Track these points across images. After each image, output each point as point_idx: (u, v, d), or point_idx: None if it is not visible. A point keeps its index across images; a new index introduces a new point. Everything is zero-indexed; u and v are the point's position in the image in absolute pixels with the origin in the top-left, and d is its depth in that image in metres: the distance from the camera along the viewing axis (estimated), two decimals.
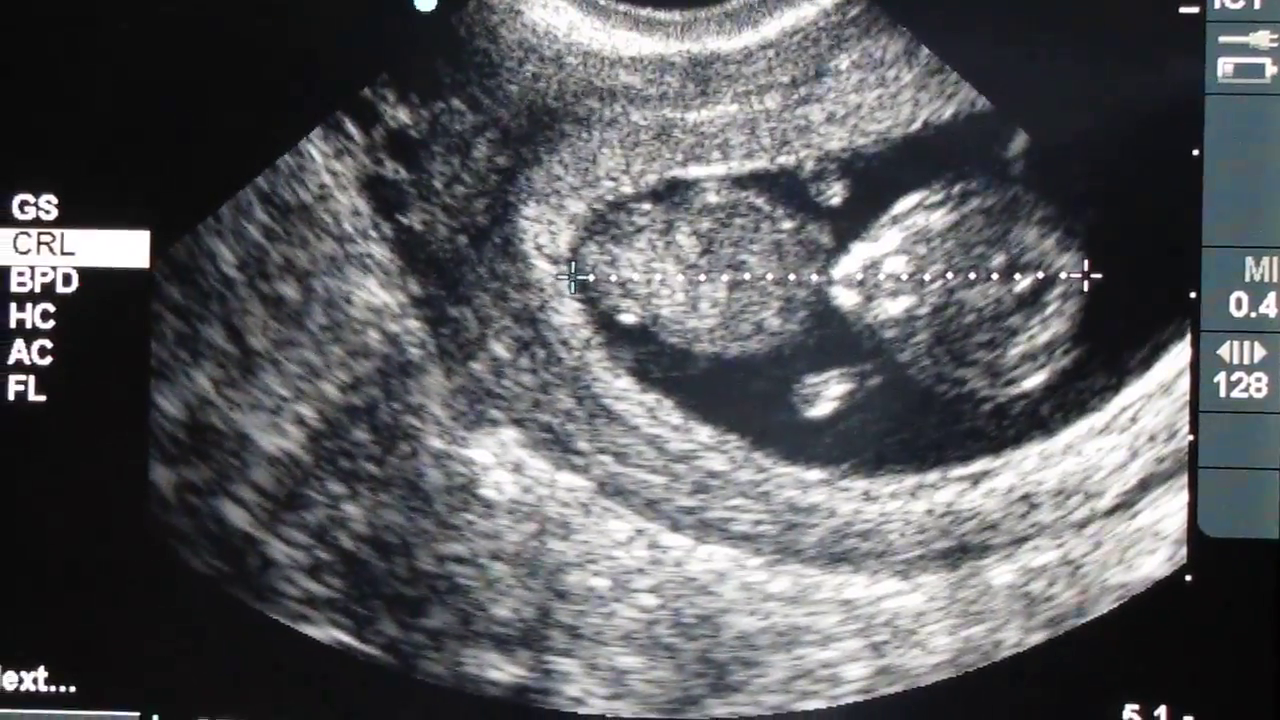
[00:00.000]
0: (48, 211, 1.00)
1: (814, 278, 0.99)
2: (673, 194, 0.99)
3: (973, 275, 0.98)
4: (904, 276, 0.98)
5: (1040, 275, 0.98)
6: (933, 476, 0.98)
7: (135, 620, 0.99)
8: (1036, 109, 0.97)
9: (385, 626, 0.99)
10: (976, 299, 0.98)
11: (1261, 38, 0.97)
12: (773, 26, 0.99)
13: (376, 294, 0.99)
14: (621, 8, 1.00)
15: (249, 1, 0.99)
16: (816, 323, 0.99)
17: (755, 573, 0.99)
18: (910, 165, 0.98)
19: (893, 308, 0.98)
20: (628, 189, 0.99)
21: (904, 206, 0.98)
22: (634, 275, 0.99)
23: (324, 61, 0.99)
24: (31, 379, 0.99)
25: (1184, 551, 0.97)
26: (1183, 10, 0.97)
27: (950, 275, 0.98)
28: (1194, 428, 0.97)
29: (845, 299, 0.99)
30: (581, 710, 0.99)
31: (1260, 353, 0.97)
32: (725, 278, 0.99)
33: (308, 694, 0.99)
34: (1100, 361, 0.97)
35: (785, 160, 0.99)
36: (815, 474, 0.98)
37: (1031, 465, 0.98)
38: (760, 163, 0.99)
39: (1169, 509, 0.97)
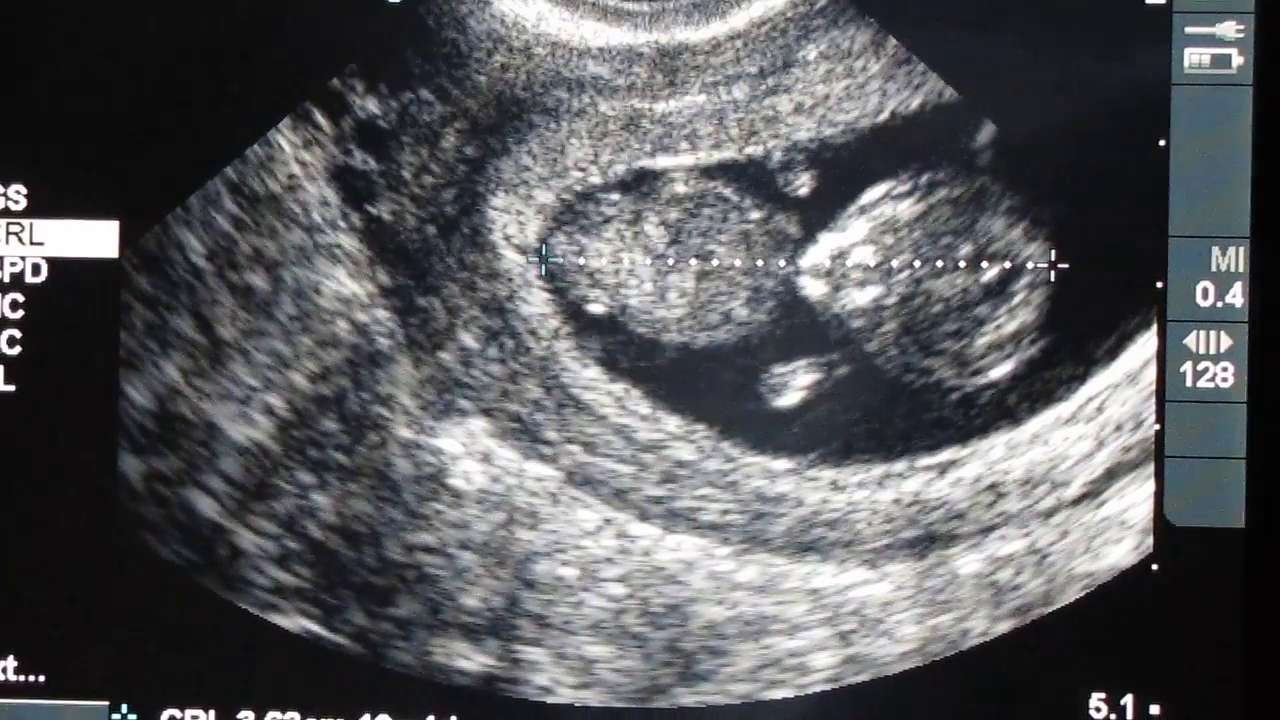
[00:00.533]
0: (16, 201, 1.00)
1: (782, 268, 0.99)
2: (641, 184, 0.99)
3: (940, 265, 0.98)
4: (871, 266, 0.99)
5: (1007, 265, 0.98)
6: (900, 466, 0.98)
7: (104, 610, 0.99)
8: (1004, 99, 0.98)
9: (354, 616, 0.99)
10: (944, 289, 0.98)
11: (1228, 28, 0.97)
12: (740, 17, 1.00)
13: (345, 284, 0.99)
14: None
15: None
16: (784, 313, 0.99)
17: (723, 562, 0.99)
18: (878, 155, 0.98)
19: (860, 297, 0.99)
20: (596, 179, 0.99)
21: (871, 196, 0.99)
22: (602, 265, 0.99)
23: (293, 52, 0.99)
24: (0, 369, 1.00)
25: (1150, 540, 0.97)
26: (1149, 1, 0.97)
27: (917, 265, 0.98)
28: (1160, 417, 0.97)
29: (813, 289, 0.99)
30: (549, 699, 0.99)
31: (1226, 342, 0.97)
32: (693, 268, 0.99)
33: (277, 683, 1.00)
34: (1067, 351, 0.98)
35: (753, 150, 0.99)
36: (783, 463, 0.99)
37: (998, 454, 0.98)
38: (728, 153, 0.99)
39: (1135, 498, 0.98)
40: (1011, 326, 0.98)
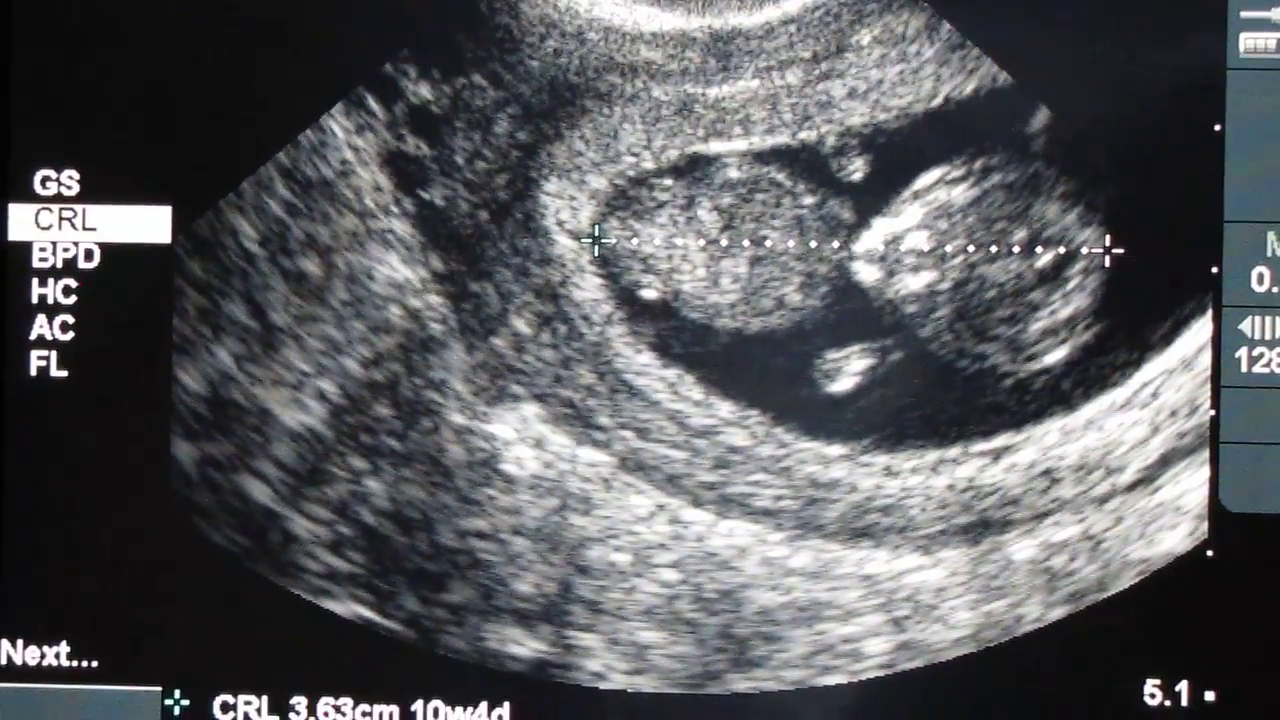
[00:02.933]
0: (69, 187, 1.00)
1: (835, 253, 0.99)
2: (694, 169, 0.99)
3: (994, 250, 0.98)
4: (925, 251, 0.98)
5: (1062, 250, 0.98)
6: (954, 451, 0.98)
7: (157, 595, 0.99)
8: (1058, 84, 0.97)
9: (407, 601, 0.99)
10: (998, 274, 0.98)
11: None
12: (794, 2, 0.99)
13: (398, 269, 0.99)
14: None
15: None
16: (838, 298, 0.99)
17: (776, 548, 0.99)
18: (932, 141, 0.98)
19: (914, 283, 0.98)
20: (649, 164, 0.99)
21: (925, 182, 0.98)
22: (655, 250, 0.99)
23: (346, 37, 0.99)
24: (54, 354, 1.00)
25: (1205, 526, 0.97)
26: None
27: (971, 250, 0.98)
28: (1215, 403, 0.97)
29: (867, 274, 0.99)
30: (603, 685, 0.99)
31: None
32: (747, 253, 0.99)
33: (329, 669, 0.99)
34: (1122, 337, 0.97)
35: (807, 135, 0.99)
36: (836, 449, 0.98)
37: (1053, 440, 0.98)
38: (781, 138, 0.99)
39: (1190, 484, 0.97)
40: (1066, 312, 0.98)
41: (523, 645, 0.99)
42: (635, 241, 0.99)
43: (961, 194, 0.98)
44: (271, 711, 1.00)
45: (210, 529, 0.99)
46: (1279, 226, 0.97)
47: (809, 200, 0.99)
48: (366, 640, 0.99)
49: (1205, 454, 0.97)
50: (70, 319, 1.00)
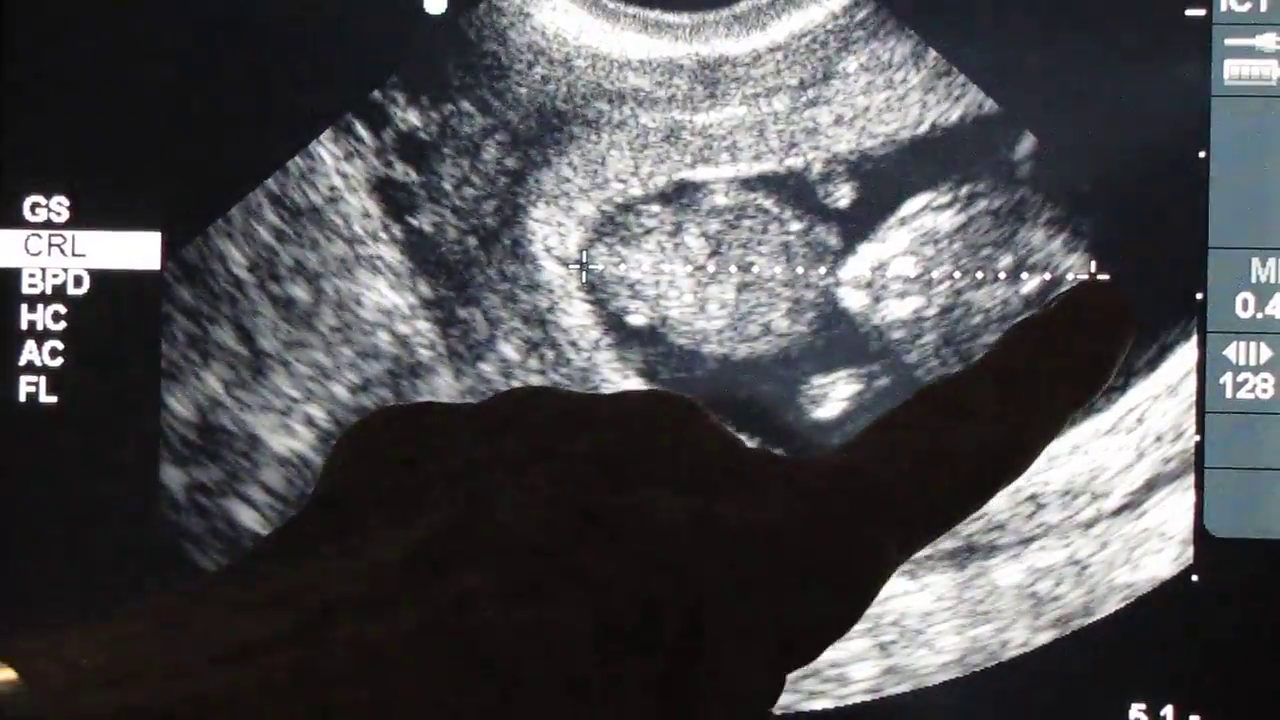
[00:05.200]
0: (59, 213, 1.00)
1: (822, 279, 0.99)
2: (681, 196, 1.00)
3: (980, 276, 0.99)
4: (912, 277, 0.99)
5: (1047, 276, 0.98)
6: None
7: None
8: (1044, 111, 0.98)
9: None
10: (984, 300, 0.99)
11: (1268, 40, 0.97)
12: (781, 29, 1.00)
13: (386, 295, 1.00)
14: (630, 10, 1.00)
15: (259, 4, 1.00)
16: (824, 324, 0.99)
17: None
18: (918, 167, 0.99)
19: (900, 309, 0.99)
20: (636, 191, 1.00)
21: (912, 208, 0.99)
22: (643, 276, 1.00)
23: (334, 64, 1.00)
24: (42, 380, 1.00)
25: (1190, 551, 0.98)
26: (1189, 13, 0.97)
27: (958, 276, 0.99)
28: (1200, 428, 0.98)
29: (853, 300, 0.99)
30: None
31: (1266, 353, 0.97)
32: (733, 279, 0.99)
33: None
34: None
35: (793, 162, 0.99)
36: None
37: (1039, 465, 0.98)
38: (768, 165, 0.99)
39: (1175, 509, 0.98)
40: None
41: None
42: (623, 267, 1.00)
43: (947, 220, 0.99)
44: None
45: (199, 554, 1.00)
46: (1263, 252, 0.97)
47: (796, 226, 0.99)
48: None
49: (1190, 479, 0.98)
50: (59, 345, 1.00)
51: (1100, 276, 0.98)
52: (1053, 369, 0.55)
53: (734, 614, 0.46)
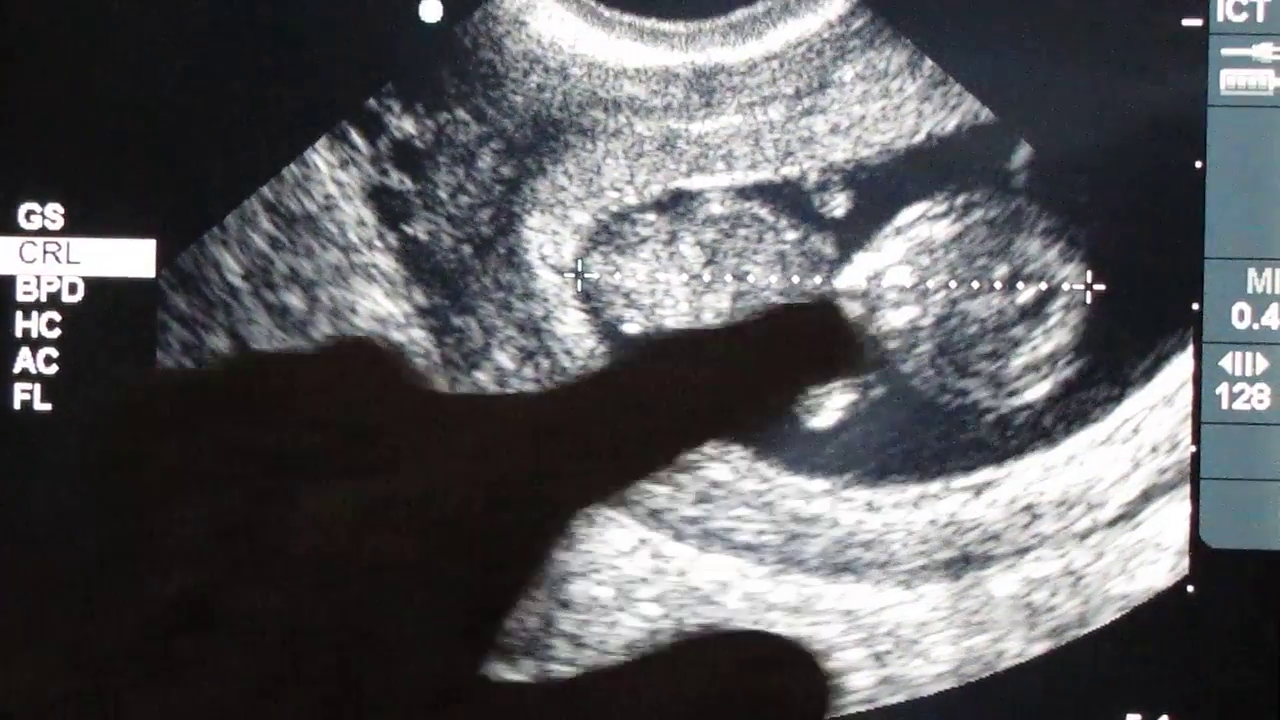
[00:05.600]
0: (54, 221, 1.00)
1: (817, 288, 0.99)
2: (677, 204, 1.00)
3: (976, 286, 0.98)
4: (907, 287, 0.99)
5: (1043, 286, 0.98)
6: (935, 487, 0.98)
7: None
8: (1040, 121, 0.98)
9: None
10: (980, 310, 0.98)
11: (1264, 50, 0.97)
12: (777, 38, 1.00)
13: (381, 303, 1.00)
14: (626, 19, 1.00)
15: (254, 11, 1.00)
16: None
17: (758, 583, 0.99)
18: (914, 177, 0.99)
19: (896, 318, 0.99)
20: (632, 199, 1.00)
21: (907, 217, 0.99)
22: (638, 285, 0.99)
23: (329, 72, 0.99)
24: (37, 388, 1.00)
25: (1186, 562, 0.97)
26: (1185, 23, 0.97)
27: (953, 286, 0.99)
28: (1196, 439, 0.97)
29: (848, 310, 0.99)
30: None
31: (1262, 364, 0.97)
32: (729, 288, 0.99)
33: None
34: (1103, 373, 0.98)
35: (789, 171, 0.99)
36: (818, 484, 0.99)
37: (1034, 476, 0.98)
38: (764, 174, 0.99)
39: (1171, 520, 0.98)
40: (1047, 348, 0.98)
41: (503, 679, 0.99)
42: (618, 276, 1.00)
43: (943, 230, 0.98)
44: None
45: None
46: (1259, 263, 0.97)
47: (791, 236, 0.99)
48: None
49: (1186, 490, 0.97)
50: (54, 352, 1.00)
51: (1095, 286, 0.97)
52: (786, 350, 0.53)
53: (399, 600, 0.43)
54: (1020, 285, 0.98)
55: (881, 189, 0.99)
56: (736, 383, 0.50)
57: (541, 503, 0.47)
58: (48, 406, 1.00)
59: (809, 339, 0.53)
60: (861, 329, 0.54)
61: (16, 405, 1.00)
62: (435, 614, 0.44)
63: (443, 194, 1.00)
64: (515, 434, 0.47)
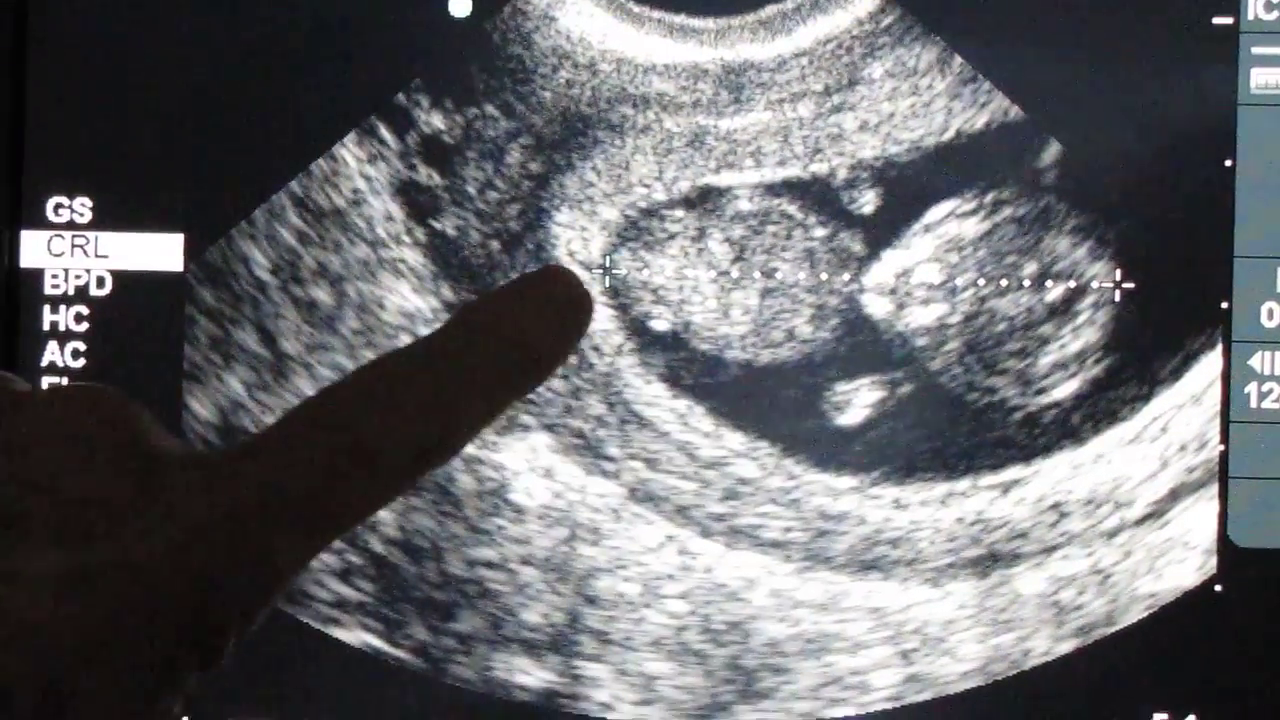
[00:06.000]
0: (82, 214, 1.00)
1: (845, 285, 0.99)
2: (705, 201, 0.99)
3: (1004, 284, 0.98)
4: (936, 284, 0.98)
5: (1072, 284, 0.98)
6: (963, 484, 0.98)
7: None
8: (1069, 119, 0.98)
9: (416, 630, 0.99)
10: (1008, 308, 0.98)
11: None
12: (806, 34, 1.00)
13: (409, 299, 1.00)
14: (655, 14, 1.00)
15: (284, 6, 1.00)
16: (848, 330, 0.99)
17: (785, 579, 0.99)
18: (943, 174, 0.98)
19: (924, 316, 0.99)
20: (660, 196, 0.99)
21: (936, 215, 0.99)
22: (666, 281, 0.99)
23: (358, 67, 0.99)
24: (64, 381, 1.00)
25: (1214, 561, 0.97)
26: (1216, 21, 0.97)
27: (982, 284, 0.98)
28: (1225, 438, 0.97)
29: (877, 307, 0.99)
30: (611, 715, 0.99)
31: None
32: (757, 285, 0.99)
33: (337, 697, 1.00)
34: (1131, 371, 0.98)
35: (818, 168, 0.99)
36: (846, 481, 0.99)
37: (1062, 474, 0.98)
38: (793, 170, 0.99)
39: (1199, 519, 0.97)
40: (1076, 346, 0.98)
41: (531, 675, 0.99)
42: (646, 273, 0.99)
43: (972, 227, 0.98)
44: None
45: None
46: None
47: (820, 233, 0.99)
48: (375, 669, 0.99)
49: (1214, 489, 0.97)
50: (82, 346, 1.00)
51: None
52: (492, 357, 0.50)
53: (98, 672, 0.42)
54: (1049, 283, 0.98)
55: (910, 186, 0.99)
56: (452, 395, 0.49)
57: (257, 574, 0.46)
58: None
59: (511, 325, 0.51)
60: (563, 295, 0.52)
61: None
62: (126, 688, 0.44)
63: (471, 189, 1.00)
64: (228, 507, 0.46)
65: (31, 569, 0.43)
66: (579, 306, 0.51)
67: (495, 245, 1.00)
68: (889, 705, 0.99)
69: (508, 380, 0.50)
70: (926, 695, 0.98)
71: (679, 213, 0.99)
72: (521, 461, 0.99)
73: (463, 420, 0.48)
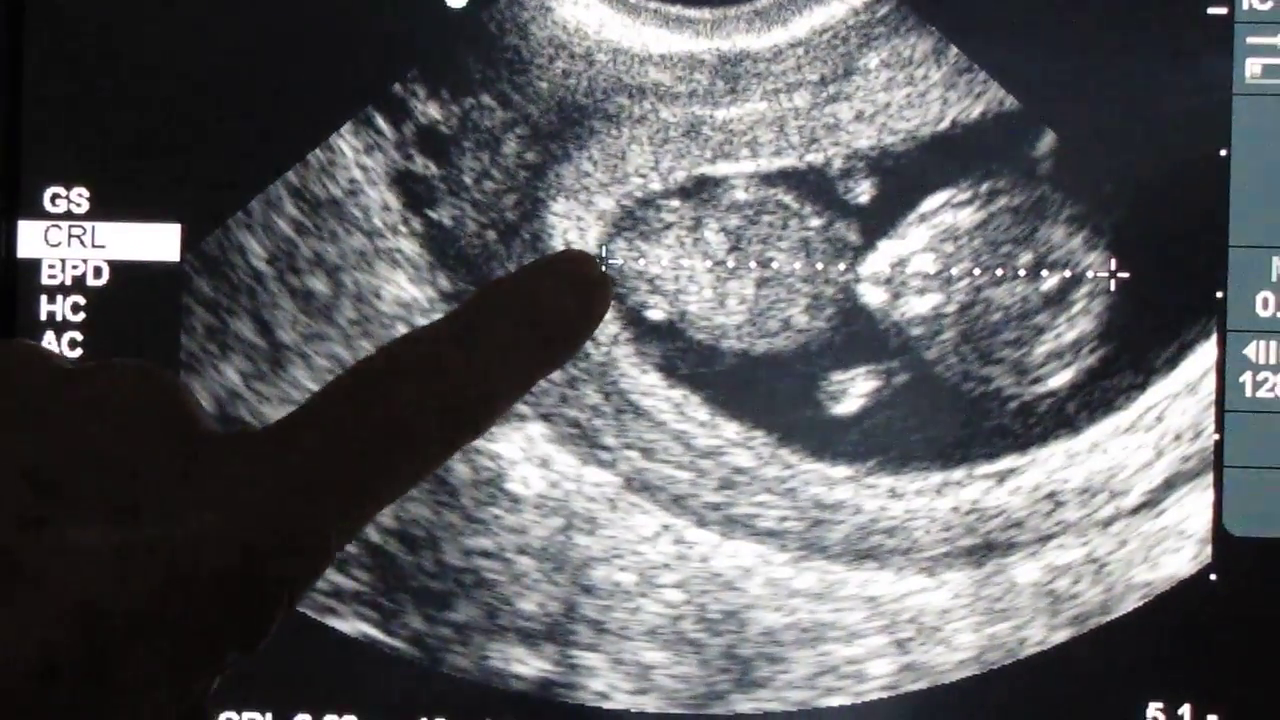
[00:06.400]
0: (79, 204, 1.00)
1: (841, 275, 0.99)
2: (701, 191, 1.00)
3: (1000, 273, 0.98)
4: (931, 274, 0.99)
5: (1067, 274, 0.98)
6: (958, 474, 0.98)
7: None
8: (1064, 108, 0.98)
9: (412, 620, 0.99)
10: (1003, 297, 0.98)
11: None
12: (802, 25, 1.00)
13: (406, 289, 1.00)
14: (651, 5, 1.00)
15: None
16: (843, 320, 0.99)
17: (781, 569, 0.99)
18: (938, 163, 0.99)
19: (920, 305, 0.99)
20: (656, 186, 1.00)
21: (932, 204, 0.99)
22: (662, 271, 0.99)
23: (355, 57, 1.00)
24: None
25: (1209, 550, 0.97)
26: (1211, 11, 0.97)
27: (977, 273, 0.99)
28: (1219, 427, 0.97)
29: (872, 296, 0.99)
30: (606, 705, 0.99)
31: None
32: (753, 274, 0.99)
33: (333, 686, 1.00)
34: (1126, 360, 0.98)
35: (814, 158, 0.99)
36: (841, 470, 0.99)
37: (1057, 463, 0.98)
38: (789, 160, 0.99)
39: (1194, 508, 0.98)
40: (1071, 335, 0.98)
41: (527, 664, 0.99)
42: (642, 262, 1.00)
43: (967, 217, 0.99)
44: None
45: None
46: None
47: (815, 222, 0.99)
48: (370, 658, 1.00)
49: (1209, 478, 0.97)
50: (79, 336, 1.00)
51: (1119, 274, 0.97)
52: (523, 329, 0.51)
53: (145, 647, 0.43)
54: (1044, 273, 0.98)
55: (906, 176, 0.99)
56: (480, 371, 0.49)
57: (303, 551, 0.46)
58: None
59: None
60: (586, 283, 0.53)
61: None
62: (173, 665, 0.44)
63: (467, 179, 1.00)
64: (276, 483, 0.46)
65: (81, 542, 0.43)
66: (601, 284, 0.53)
67: (491, 235, 1.00)
68: (884, 694, 0.99)
69: (538, 353, 0.51)
70: (922, 684, 0.99)
71: (675, 203, 1.00)
72: (517, 451, 0.99)
73: (497, 392, 0.49)
